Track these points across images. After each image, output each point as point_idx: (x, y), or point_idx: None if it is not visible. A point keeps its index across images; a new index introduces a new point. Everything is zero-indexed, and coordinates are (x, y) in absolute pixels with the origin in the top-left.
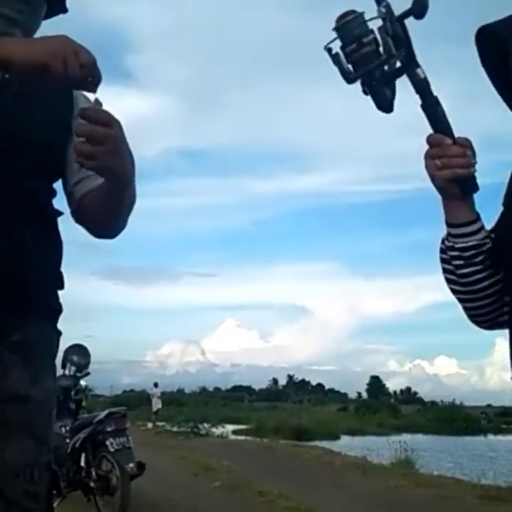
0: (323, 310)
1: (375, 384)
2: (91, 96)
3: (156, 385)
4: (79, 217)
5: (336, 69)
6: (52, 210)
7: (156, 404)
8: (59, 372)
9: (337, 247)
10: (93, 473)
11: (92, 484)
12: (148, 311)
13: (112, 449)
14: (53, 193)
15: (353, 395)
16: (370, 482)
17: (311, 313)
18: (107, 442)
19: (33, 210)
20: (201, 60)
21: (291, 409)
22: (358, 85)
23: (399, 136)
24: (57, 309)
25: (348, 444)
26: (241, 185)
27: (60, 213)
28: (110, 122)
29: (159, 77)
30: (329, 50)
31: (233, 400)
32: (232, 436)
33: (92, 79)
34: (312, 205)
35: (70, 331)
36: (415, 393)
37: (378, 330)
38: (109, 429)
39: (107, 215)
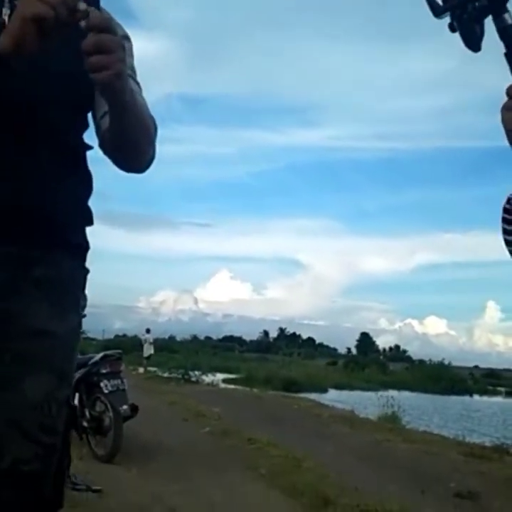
0: (318, 265)
1: (365, 340)
2: (82, 5)
3: (148, 330)
4: (105, 149)
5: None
6: (80, 143)
7: (148, 350)
8: None
9: (335, 203)
10: (87, 413)
11: (85, 424)
12: (143, 257)
13: (106, 391)
14: (84, 127)
15: (342, 351)
16: (356, 435)
17: (306, 268)
18: (102, 384)
19: (57, 142)
20: (207, 3)
21: (282, 361)
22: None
23: (403, 95)
24: (85, 246)
25: (335, 398)
26: (242, 136)
27: (90, 147)
28: (115, 29)
29: (164, 19)
30: None
31: (224, 349)
32: (223, 385)
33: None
34: (312, 160)
35: None
36: (404, 351)
37: (371, 288)
38: (103, 371)
39: (124, 146)
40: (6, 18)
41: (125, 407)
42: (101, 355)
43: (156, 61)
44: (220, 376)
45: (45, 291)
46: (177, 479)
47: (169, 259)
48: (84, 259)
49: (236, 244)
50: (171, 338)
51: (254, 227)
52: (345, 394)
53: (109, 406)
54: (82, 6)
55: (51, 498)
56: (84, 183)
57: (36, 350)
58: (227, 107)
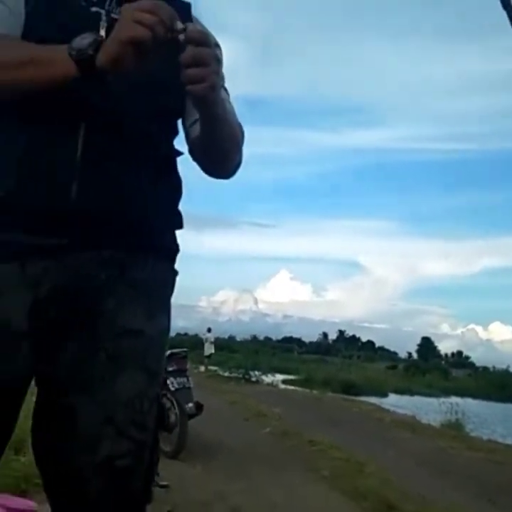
0: (378, 268)
1: (426, 345)
2: (179, 24)
3: (209, 330)
4: (194, 156)
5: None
6: (171, 150)
7: (209, 349)
8: None
9: (396, 205)
10: None
11: None
12: (204, 257)
13: (173, 388)
14: (174, 133)
15: (402, 355)
16: (419, 441)
17: (366, 270)
18: (168, 381)
19: (150, 150)
20: (266, 7)
21: (341, 363)
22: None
23: (462, 95)
24: (175, 249)
25: (396, 402)
26: (303, 137)
27: (180, 153)
28: (210, 42)
29: (224, 22)
30: None
31: (283, 350)
32: (282, 386)
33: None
34: (372, 161)
35: None
36: (467, 357)
37: (433, 291)
38: (170, 368)
39: (213, 154)
40: (103, 32)
41: (190, 404)
42: (168, 353)
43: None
44: (279, 377)
45: (138, 292)
46: (239, 478)
47: (230, 259)
48: (174, 262)
49: (296, 245)
50: (231, 337)
51: (314, 228)
52: (405, 399)
53: (175, 403)
54: (179, 25)
55: (142, 493)
56: (175, 188)
57: (130, 349)
58: (289, 108)
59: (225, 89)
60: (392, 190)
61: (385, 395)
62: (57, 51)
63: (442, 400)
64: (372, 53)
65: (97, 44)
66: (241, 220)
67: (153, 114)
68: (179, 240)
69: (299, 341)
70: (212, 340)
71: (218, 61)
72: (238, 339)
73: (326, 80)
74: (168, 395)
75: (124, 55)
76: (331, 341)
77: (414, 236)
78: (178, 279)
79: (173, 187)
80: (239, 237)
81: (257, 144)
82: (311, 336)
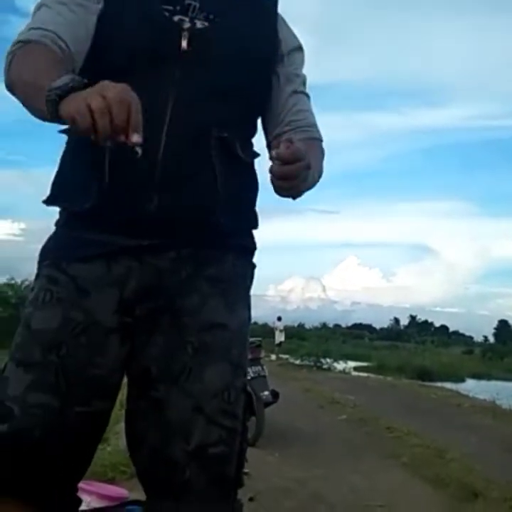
0: (449, 250)
1: (504, 328)
2: (136, 137)
3: (279, 318)
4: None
5: None
6: (247, 152)
7: (279, 337)
8: None
9: (466, 185)
10: None
11: None
12: (270, 245)
13: (248, 377)
14: (253, 134)
15: (478, 339)
16: (501, 426)
17: (436, 253)
18: None
19: (225, 155)
20: None
21: (414, 349)
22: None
23: None
24: (252, 248)
25: (473, 388)
26: (368, 121)
27: (257, 155)
28: (303, 156)
29: (286, 11)
30: None
31: (353, 337)
32: (354, 373)
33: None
34: (441, 141)
35: None
36: None
37: (507, 273)
38: None
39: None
40: (185, 43)
41: (266, 393)
42: None
43: None
44: (351, 364)
45: (219, 288)
46: (318, 465)
47: (297, 247)
48: (252, 257)
49: (363, 230)
50: (300, 325)
51: (381, 213)
52: (483, 384)
53: (251, 392)
54: (136, 138)
55: (234, 478)
56: (253, 190)
57: (214, 342)
58: (353, 93)
59: (306, 95)
60: (461, 170)
61: (462, 380)
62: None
63: None
64: (437, 31)
65: (65, 89)
66: (306, 207)
67: (229, 120)
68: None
69: (369, 328)
70: (282, 328)
71: (308, 168)
72: (307, 327)
73: (391, 62)
74: None
75: (79, 120)
76: (402, 327)
77: (485, 216)
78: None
79: (249, 188)
80: (305, 224)
81: (323, 130)
82: (381, 322)
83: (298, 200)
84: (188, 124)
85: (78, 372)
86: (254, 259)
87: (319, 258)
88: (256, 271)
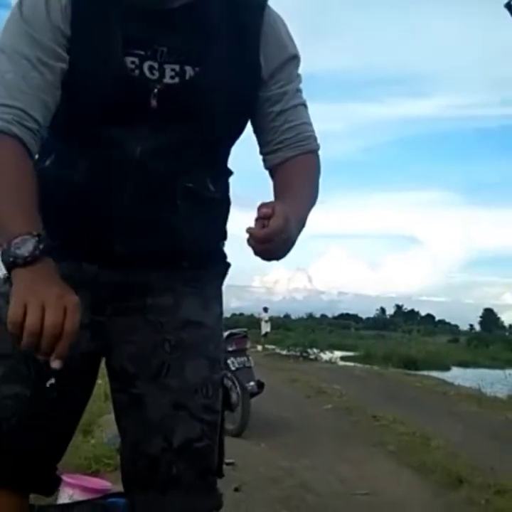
0: (434, 240)
1: (489, 317)
2: (56, 363)
3: (265, 309)
4: (272, 177)
5: None
6: (219, 186)
7: (265, 328)
8: None
9: (451, 175)
10: None
11: None
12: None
13: (233, 368)
14: (225, 165)
15: (464, 327)
16: (486, 413)
17: (421, 242)
18: (228, 361)
19: (192, 201)
20: None
21: (400, 338)
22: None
23: None
24: (223, 257)
25: (459, 376)
26: (351, 111)
27: (231, 173)
28: (279, 232)
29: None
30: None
31: (340, 327)
32: (341, 362)
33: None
34: (424, 131)
35: None
36: None
37: (493, 261)
38: (230, 348)
39: None
40: (154, 102)
41: (252, 383)
42: (227, 333)
43: None
44: (337, 354)
45: (192, 286)
46: (304, 454)
47: None
48: (225, 258)
49: (349, 221)
50: (286, 316)
51: (366, 203)
52: (469, 372)
53: (236, 382)
54: (56, 364)
55: (216, 471)
56: (223, 218)
57: (191, 338)
58: (334, 82)
59: (304, 105)
60: (445, 160)
61: (447, 368)
62: (13, 221)
63: (508, 371)
64: (418, 21)
65: (21, 263)
66: None
67: (199, 165)
68: (229, 221)
69: (355, 317)
70: (267, 319)
71: (289, 237)
72: (293, 317)
73: (375, 52)
74: (229, 375)
75: (11, 320)
76: (388, 316)
77: (470, 206)
78: (230, 260)
79: (218, 220)
80: None
81: None
82: (367, 311)
83: None
84: (154, 173)
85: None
86: (229, 246)
87: (305, 249)
88: (241, 262)
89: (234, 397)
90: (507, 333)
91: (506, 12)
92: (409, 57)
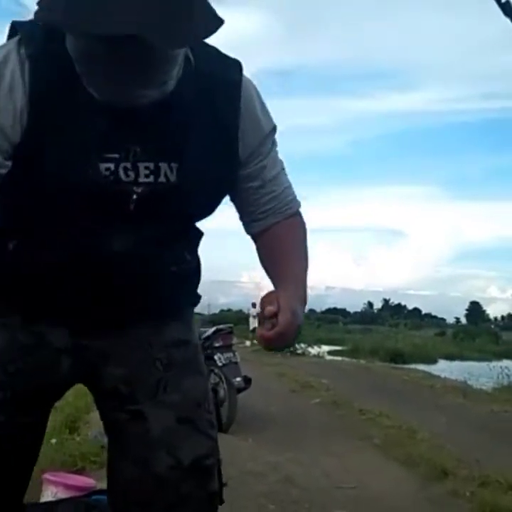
0: (420, 234)
1: (475, 310)
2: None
3: (253, 305)
4: (256, 242)
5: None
6: (193, 255)
7: (253, 323)
8: None
9: (436, 170)
10: None
11: None
12: (243, 232)
13: (220, 364)
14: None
15: (450, 321)
16: (472, 406)
17: (407, 236)
18: (215, 357)
19: (169, 278)
20: None
21: (387, 332)
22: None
23: (501, 52)
24: (195, 301)
25: (446, 369)
26: (337, 106)
27: (201, 234)
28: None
29: None
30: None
31: (328, 322)
32: (329, 357)
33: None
34: (410, 125)
35: None
36: None
37: (478, 255)
38: (216, 344)
39: None
40: (132, 207)
41: (238, 379)
42: (213, 329)
43: (248, 37)
44: (325, 348)
45: (172, 316)
46: (290, 448)
47: None
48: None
49: (334, 215)
50: None
51: (351, 198)
52: (455, 365)
53: (223, 378)
54: None
55: (220, 489)
56: (196, 273)
57: (182, 356)
58: (321, 77)
59: (283, 169)
60: (432, 154)
61: (434, 361)
62: None
63: (493, 364)
64: (404, 15)
65: None
66: None
67: (178, 248)
68: (219, 217)
69: (343, 312)
70: (255, 314)
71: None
72: None
73: (358, 45)
74: (216, 371)
75: None
76: (376, 310)
77: (455, 200)
78: (217, 255)
79: (193, 279)
80: None
81: (290, 115)
82: (355, 306)
83: None
84: (130, 262)
85: (25, 388)
86: (216, 243)
87: None
88: (228, 258)
89: (221, 392)
90: (493, 326)
91: (489, 6)
92: (394, 52)
